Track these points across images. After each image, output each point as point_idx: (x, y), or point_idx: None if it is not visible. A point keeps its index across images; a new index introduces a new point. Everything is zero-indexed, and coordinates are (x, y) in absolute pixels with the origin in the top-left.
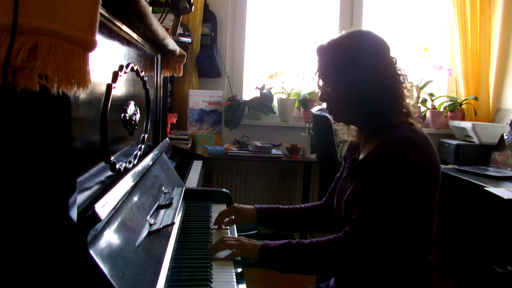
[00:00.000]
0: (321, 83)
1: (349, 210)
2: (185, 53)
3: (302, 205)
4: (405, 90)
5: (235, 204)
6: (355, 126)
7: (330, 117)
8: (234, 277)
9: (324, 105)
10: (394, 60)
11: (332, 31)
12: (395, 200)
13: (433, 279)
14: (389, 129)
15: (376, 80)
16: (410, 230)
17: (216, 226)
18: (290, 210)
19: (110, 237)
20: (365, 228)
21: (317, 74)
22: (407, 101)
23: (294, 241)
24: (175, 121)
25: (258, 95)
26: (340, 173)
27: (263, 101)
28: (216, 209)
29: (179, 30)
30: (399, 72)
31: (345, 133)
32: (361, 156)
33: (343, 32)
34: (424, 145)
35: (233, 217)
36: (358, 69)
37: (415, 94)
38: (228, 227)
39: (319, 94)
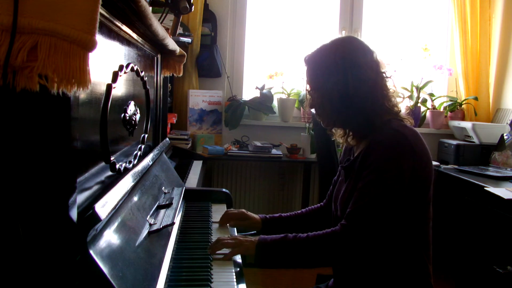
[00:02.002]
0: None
1: (345, 208)
2: (185, 53)
3: (303, 210)
4: (389, 92)
5: (243, 210)
6: (345, 128)
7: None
8: (234, 277)
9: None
10: (377, 64)
11: (332, 31)
12: (386, 192)
13: (431, 276)
14: (379, 125)
15: (357, 85)
16: (404, 222)
17: (217, 222)
18: (292, 216)
19: (110, 237)
20: (360, 220)
21: (306, 83)
22: (394, 101)
23: (291, 235)
24: (175, 121)
25: (258, 95)
26: (337, 176)
27: (263, 101)
28: (216, 209)
29: (179, 30)
30: (382, 75)
31: (339, 139)
32: (354, 156)
33: (344, 32)
34: (413, 137)
35: (239, 220)
36: (341, 75)
37: (415, 94)
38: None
39: (308, 101)
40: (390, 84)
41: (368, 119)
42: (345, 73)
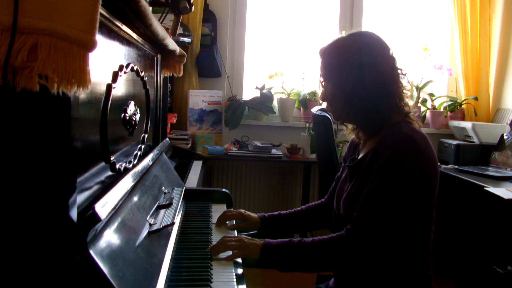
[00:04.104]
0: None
1: (348, 209)
2: (185, 53)
3: (303, 206)
4: (403, 90)
5: (242, 210)
6: (354, 124)
7: (330, 116)
8: (234, 277)
9: (325, 104)
10: (394, 60)
11: (332, 31)
12: (394, 197)
13: (431, 278)
14: (387, 128)
15: (374, 78)
16: (410, 227)
17: (215, 223)
18: (291, 214)
19: (110, 237)
20: (367, 225)
21: (320, 75)
22: (406, 100)
23: (296, 239)
24: (175, 121)
25: (258, 95)
26: (340, 173)
27: (263, 101)
28: (216, 209)
29: (179, 30)
30: (398, 71)
31: (350, 134)
32: (360, 156)
33: (343, 32)
34: (422, 142)
35: (239, 221)
36: (357, 67)
37: (415, 94)
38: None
39: (320, 93)
40: (404, 82)
41: (379, 114)
42: (362, 65)
